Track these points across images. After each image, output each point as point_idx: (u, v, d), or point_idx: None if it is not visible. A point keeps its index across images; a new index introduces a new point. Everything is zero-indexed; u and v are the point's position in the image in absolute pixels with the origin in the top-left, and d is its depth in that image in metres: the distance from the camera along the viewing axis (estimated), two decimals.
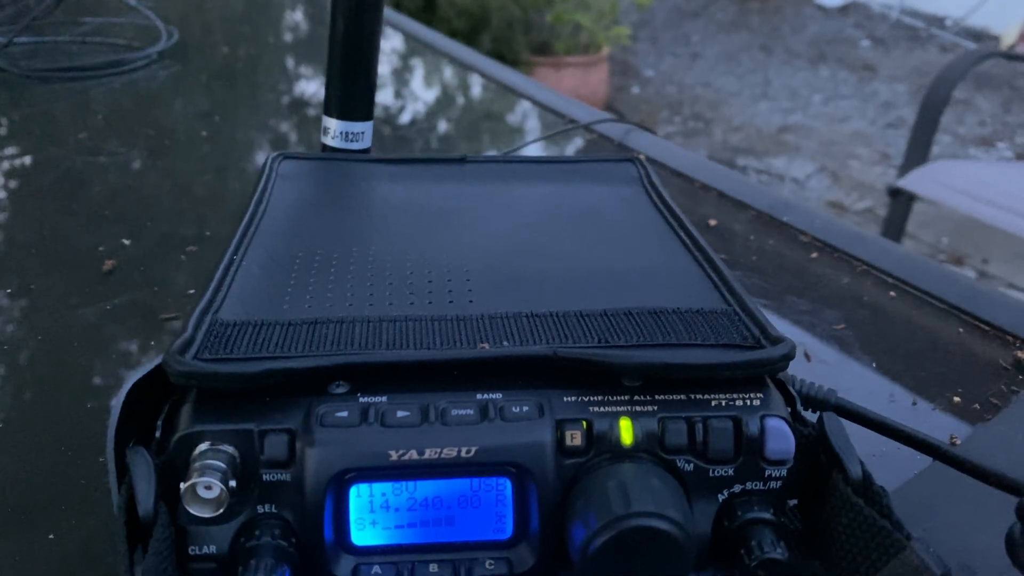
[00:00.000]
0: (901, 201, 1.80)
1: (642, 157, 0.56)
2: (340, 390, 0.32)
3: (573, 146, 0.87)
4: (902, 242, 1.87)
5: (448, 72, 1.14)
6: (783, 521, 0.32)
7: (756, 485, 0.32)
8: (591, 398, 0.32)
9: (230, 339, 0.33)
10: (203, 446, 0.30)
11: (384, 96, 1.00)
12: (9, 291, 0.53)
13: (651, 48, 4.47)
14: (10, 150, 0.77)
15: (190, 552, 0.30)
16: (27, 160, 0.75)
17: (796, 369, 0.38)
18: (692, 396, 0.32)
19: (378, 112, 0.93)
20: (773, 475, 0.32)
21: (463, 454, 0.30)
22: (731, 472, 0.32)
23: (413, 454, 0.30)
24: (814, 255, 0.62)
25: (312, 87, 1.02)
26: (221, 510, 0.29)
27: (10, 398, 0.44)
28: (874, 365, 0.50)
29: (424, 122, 0.96)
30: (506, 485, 0.31)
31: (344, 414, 0.30)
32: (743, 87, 3.97)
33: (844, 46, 4.53)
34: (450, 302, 0.37)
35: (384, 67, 1.11)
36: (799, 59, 4.35)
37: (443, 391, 0.32)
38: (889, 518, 0.30)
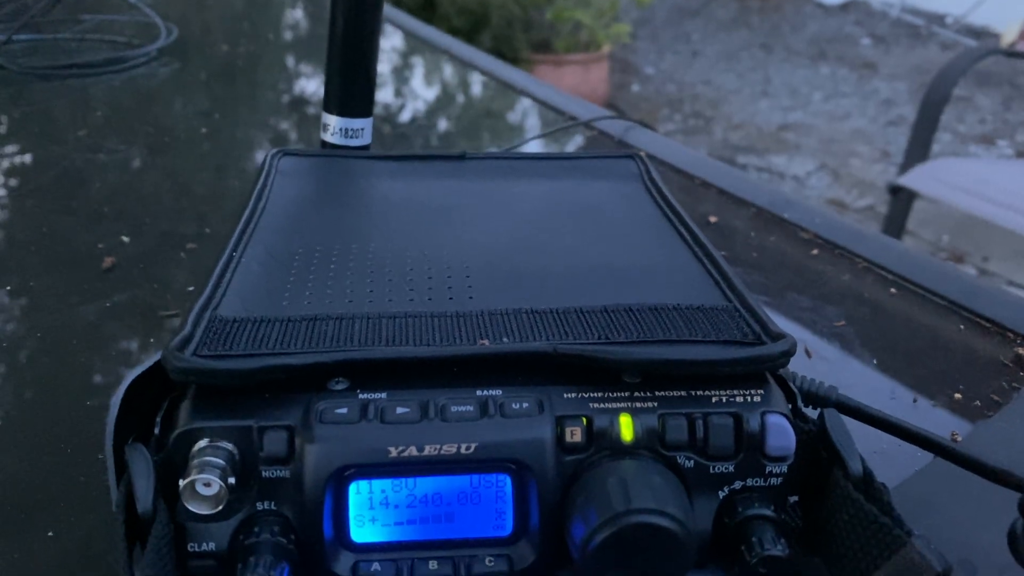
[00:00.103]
0: (901, 199, 1.80)
1: (642, 154, 0.56)
2: (340, 386, 0.32)
3: (573, 143, 0.87)
4: (903, 240, 1.87)
5: (448, 69, 1.14)
6: (784, 518, 0.32)
7: (757, 481, 0.32)
8: (591, 394, 0.32)
9: (229, 335, 0.33)
10: (202, 443, 0.30)
11: (384, 95, 1.00)
12: (8, 288, 0.53)
13: (651, 46, 4.47)
14: (9, 147, 0.77)
15: (189, 549, 0.30)
16: (26, 157, 0.75)
17: (797, 366, 0.38)
18: (692, 392, 0.32)
19: (378, 110, 0.93)
20: (774, 471, 0.32)
21: (463, 450, 0.30)
22: (731, 468, 0.32)
23: (413, 451, 0.30)
24: (815, 252, 0.62)
25: (312, 84, 1.02)
26: (220, 507, 0.29)
27: (9, 396, 0.44)
28: (875, 362, 0.49)
29: (424, 120, 0.96)
30: (506, 482, 0.31)
31: (344, 410, 0.30)
32: (743, 85, 3.97)
33: (844, 44, 4.52)
34: (450, 299, 0.37)
35: (384, 65, 1.11)
36: (799, 57, 4.34)
37: (443, 388, 0.32)
38: (890, 514, 0.30)
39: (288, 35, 1.31)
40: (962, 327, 0.53)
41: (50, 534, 0.35)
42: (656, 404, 0.32)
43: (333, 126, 0.56)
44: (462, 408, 0.31)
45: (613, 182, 0.52)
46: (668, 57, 4.32)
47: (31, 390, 0.45)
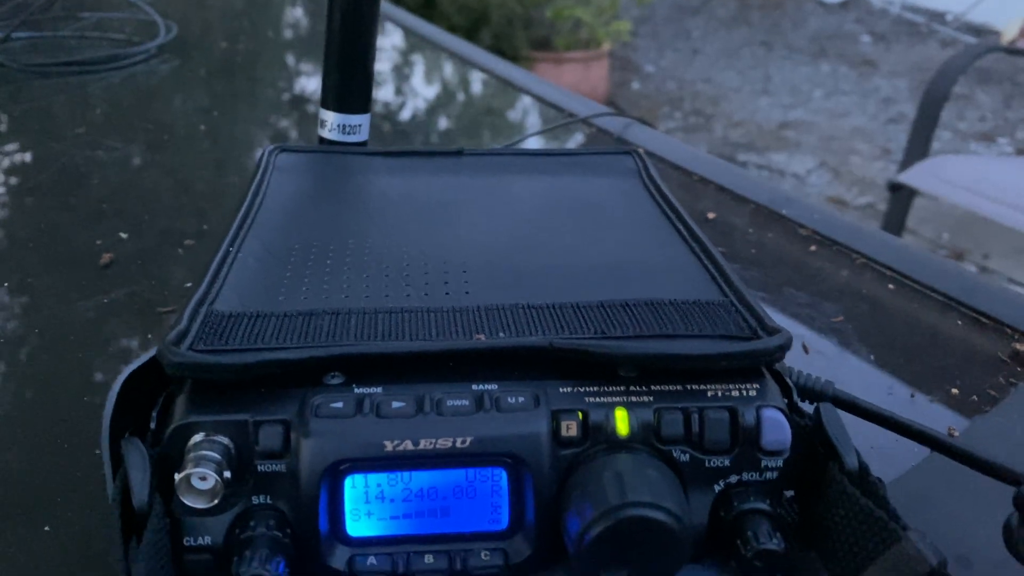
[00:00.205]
0: (901, 196, 1.80)
1: (640, 150, 0.56)
2: (335, 381, 0.32)
3: (572, 140, 0.87)
4: (902, 237, 1.86)
5: (447, 67, 1.14)
6: (779, 512, 0.32)
7: (752, 476, 0.32)
8: (587, 389, 0.32)
9: (225, 330, 0.33)
10: (198, 437, 0.30)
11: (384, 92, 1.00)
12: (7, 285, 0.53)
13: (652, 44, 4.47)
14: (8, 144, 0.77)
15: (185, 543, 0.30)
16: (25, 154, 0.75)
17: (794, 362, 0.38)
18: (688, 387, 0.32)
19: (378, 108, 0.93)
20: (769, 466, 0.32)
21: (458, 444, 0.30)
22: (727, 463, 0.32)
23: (408, 444, 0.30)
24: (813, 248, 0.62)
25: (311, 82, 1.02)
26: (216, 501, 0.29)
27: (6, 392, 0.44)
28: (872, 358, 0.49)
29: (423, 117, 0.96)
30: (502, 476, 0.31)
31: (339, 405, 0.30)
32: (744, 83, 3.97)
33: (845, 42, 4.52)
34: (446, 294, 0.37)
35: (384, 63, 1.11)
36: (800, 55, 4.34)
37: (439, 382, 0.32)
38: (885, 509, 0.30)
39: (287, 32, 1.31)
40: (960, 323, 0.53)
41: (47, 529, 0.35)
42: (652, 398, 0.32)
43: (330, 122, 0.56)
44: (458, 402, 0.31)
45: (610, 178, 0.52)
46: (668, 55, 4.32)
47: (28, 386, 0.45)
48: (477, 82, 1.08)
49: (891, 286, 0.57)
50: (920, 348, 0.51)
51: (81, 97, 0.89)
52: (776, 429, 0.32)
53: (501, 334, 0.34)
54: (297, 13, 1.39)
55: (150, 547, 0.28)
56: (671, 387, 0.32)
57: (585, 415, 0.31)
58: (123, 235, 0.60)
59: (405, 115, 0.96)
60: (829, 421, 0.32)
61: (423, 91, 1.05)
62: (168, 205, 0.67)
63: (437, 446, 0.30)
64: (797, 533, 0.33)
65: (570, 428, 0.31)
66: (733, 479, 0.32)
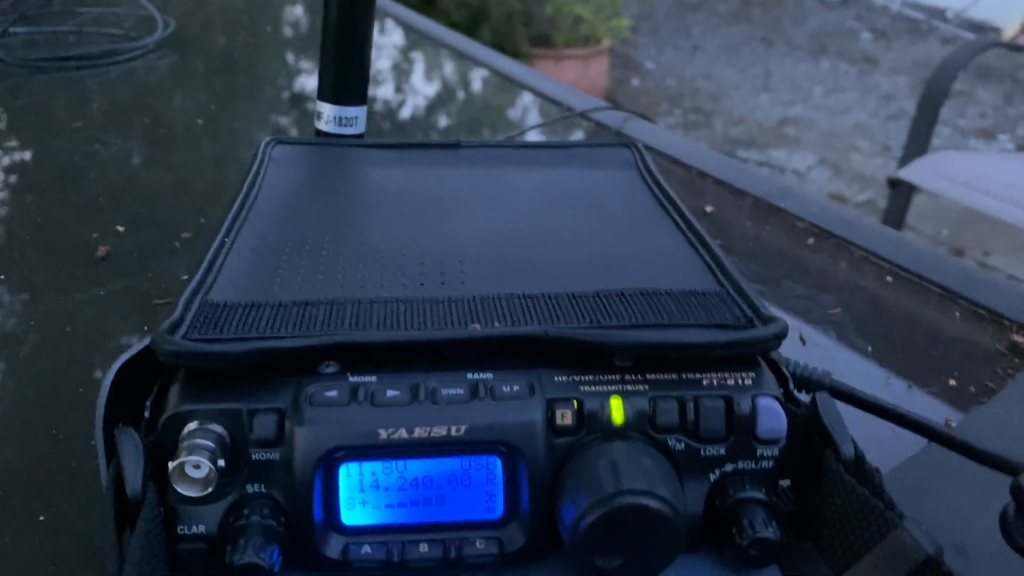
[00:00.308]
0: (901, 192, 1.79)
1: (639, 143, 0.56)
2: (330, 370, 0.32)
3: (571, 135, 0.86)
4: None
5: (446, 62, 1.13)
6: (775, 501, 0.32)
7: (748, 465, 0.32)
8: (582, 377, 0.32)
9: (220, 320, 0.33)
10: (192, 425, 0.30)
11: (384, 90, 1.00)
12: (2, 277, 0.53)
13: (652, 40, 4.46)
14: (5, 139, 0.77)
15: (179, 532, 0.30)
16: (22, 149, 0.75)
17: (791, 353, 0.38)
18: (683, 375, 0.32)
19: (376, 106, 0.93)
20: (765, 454, 0.32)
21: (453, 432, 0.30)
22: (722, 451, 0.32)
23: (403, 433, 0.30)
24: (811, 241, 0.62)
25: (308, 76, 1.02)
26: (210, 489, 0.29)
27: (1, 383, 0.44)
28: (870, 350, 0.49)
29: (421, 112, 0.96)
30: (496, 464, 0.31)
31: (334, 393, 0.30)
32: (744, 79, 3.96)
33: (845, 38, 4.51)
34: (442, 284, 0.37)
35: (383, 59, 1.11)
36: (800, 51, 4.34)
37: (434, 371, 0.32)
38: (882, 497, 0.30)
39: (286, 27, 1.31)
40: (957, 315, 0.53)
41: (41, 519, 0.35)
42: (647, 387, 0.32)
43: (327, 114, 0.56)
44: (452, 391, 0.31)
45: (608, 170, 0.52)
46: (668, 52, 4.31)
47: (23, 377, 0.45)
48: (475, 77, 1.08)
49: (889, 279, 0.57)
50: (918, 340, 0.51)
51: (79, 92, 0.89)
52: (772, 418, 0.32)
53: (497, 323, 0.34)
54: (295, 8, 1.39)
55: (143, 536, 0.28)
56: (666, 376, 0.32)
57: (580, 404, 0.31)
58: (120, 228, 0.60)
59: (403, 111, 0.96)
60: (825, 410, 0.32)
61: (422, 87, 1.05)
62: (165, 199, 0.66)
63: (432, 434, 0.30)
64: (793, 522, 0.33)
65: (565, 416, 0.31)
66: (729, 468, 0.32)
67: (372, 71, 0.58)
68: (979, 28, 4.35)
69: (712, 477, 0.32)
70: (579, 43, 3.41)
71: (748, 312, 0.34)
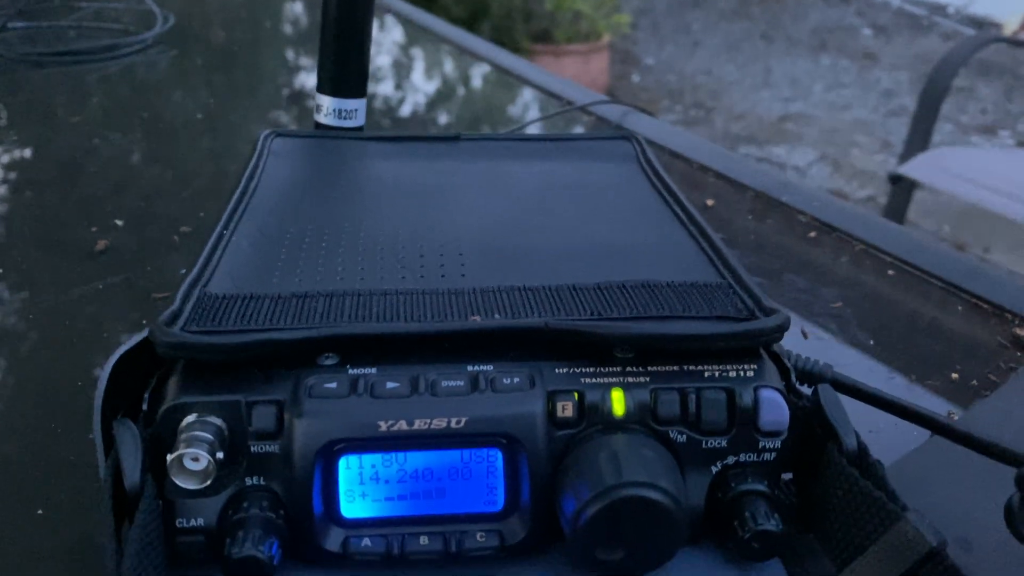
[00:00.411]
0: (902, 188, 1.79)
1: (638, 136, 0.55)
2: (329, 362, 0.31)
3: (571, 129, 0.86)
4: None
5: (446, 57, 1.13)
6: (777, 493, 0.32)
7: (750, 457, 0.32)
8: (583, 369, 0.32)
9: (218, 312, 0.32)
10: (190, 418, 0.29)
11: (384, 86, 1.00)
12: (0, 271, 0.53)
13: (652, 36, 4.45)
14: (4, 134, 0.76)
15: (177, 525, 0.30)
16: (21, 143, 0.75)
17: (793, 347, 0.38)
18: (685, 367, 0.32)
19: (377, 103, 0.93)
20: (767, 447, 0.32)
21: (453, 425, 0.30)
22: (724, 444, 0.31)
23: (403, 425, 0.30)
24: (812, 235, 0.62)
25: (308, 71, 1.02)
26: (208, 482, 0.29)
27: (0, 376, 0.44)
28: (871, 343, 0.49)
29: (422, 107, 0.96)
30: (497, 456, 0.31)
31: (333, 385, 0.30)
32: (744, 76, 3.96)
33: (845, 34, 4.51)
34: (442, 276, 0.37)
35: (384, 55, 1.11)
36: (800, 47, 4.33)
37: (434, 363, 0.31)
38: (884, 489, 0.30)
39: (285, 22, 1.30)
40: (959, 308, 0.53)
41: (40, 512, 0.35)
42: (648, 379, 0.31)
43: (326, 107, 0.55)
44: (452, 383, 0.31)
45: (608, 162, 0.51)
46: (668, 47, 4.31)
47: (21, 370, 0.45)
48: (475, 72, 1.08)
49: (890, 272, 0.57)
50: (920, 333, 0.51)
51: (77, 87, 0.89)
52: (774, 409, 0.31)
53: (497, 315, 0.33)
54: (294, 3, 1.39)
55: (142, 529, 0.28)
56: (668, 368, 0.32)
57: (581, 396, 0.31)
58: (119, 222, 0.59)
59: (403, 107, 0.95)
60: (828, 402, 0.32)
61: (422, 82, 1.05)
62: (164, 193, 0.66)
63: (432, 426, 0.30)
64: (795, 515, 0.33)
65: (566, 409, 0.31)
66: (730, 460, 0.32)
67: (372, 67, 0.58)
68: (980, 24, 4.35)
69: (714, 469, 0.32)
70: (579, 39, 3.41)
71: (750, 304, 0.34)
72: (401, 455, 0.30)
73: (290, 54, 1.13)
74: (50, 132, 0.76)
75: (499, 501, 0.31)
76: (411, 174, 0.48)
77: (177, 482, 0.29)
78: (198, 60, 1.02)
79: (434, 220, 0.43)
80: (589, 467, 0.29)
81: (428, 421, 0.30)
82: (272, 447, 0.30)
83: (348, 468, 0.30)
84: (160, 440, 0.30)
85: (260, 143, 0.50)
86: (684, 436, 0.31)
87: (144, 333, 0.31)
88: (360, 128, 0.57)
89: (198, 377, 0.30)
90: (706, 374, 0.32)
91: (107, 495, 0.28)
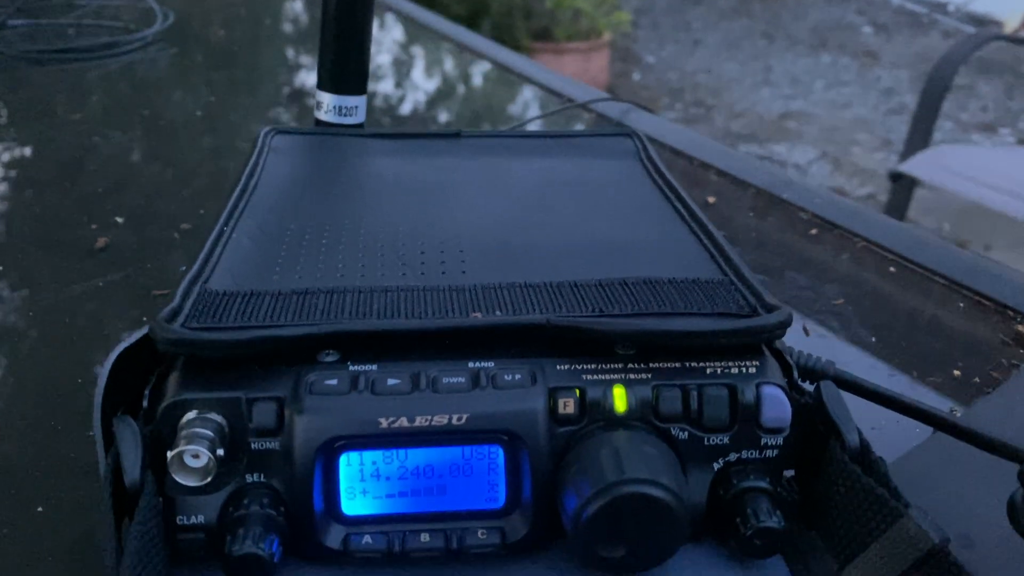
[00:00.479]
0: (903, 186, 1.79)
1: (640, 132, 0.55)
2: (330, 359, 0.31)
3: (572, 126, 0.86)
4: None
5: (446, 54, 1.13)
6: (779, 490, 0.31)
7: (752, 454, 0.32)
8: (584, 366, 0.31)
9: (219, 308, 0.32)
10: (190, 415, 0.29)
11: (384, 85, 0.99)
12: (1, 268, 0.53)
13: (652, 34, 4.45)
14: (4, 131, 0.76)
15: (178, 522, 0.30)
16: (21, 141, 0.74)
17: (794, 344, 0.38)
18: (687, 364, 0.32)
19: (377, 101, 0.93)
20: (769, 443, 0.32)
21: (454, 421, 0.30)
22: (726, 440, 0.31)
23: (404, 421, 0.29)
24: (813, 232, 0.62)
25: (309, 68, 1.02)
26: (209, 479, 0.29)
27: (0, 374, 0.44)
28: (873, 340, 0.49)
29: (422, 106, 0.96)
30: (498, 453, 0.31)
31: (334, 382, 0.30)
32: (744, 74, 3.95)
33: (846, 32, 4.50)
34: (443, 273, 0.37)
35: (384, 54, 1.10)
36: (801, 46, 4.33)
37: (434, 360, 0.31)
38: (887, 486, 0.30)
39: (285, 19, 1.30)
40: (962, 305, 0.53)
41: (40, 510, 0.35)
42: (650, 375, 0.31)
43: (327, 104, 0.55)
44: (454, 379, 0.30)
45: (609, 159, 0.51)
46: (669, 46, 4.30)
47: (21, 367, 0.45)
48: (476, 70, 1.08)
49: (892, 269, 0.57)
50: (922, 331, 0.50)
51: (77, 85, 0.89)
52: (776, 406, 0.31)
53: (498, 312, 0.33)
54: (294, 0, 1.39)
55: (142, 526, 0.28)
56: (670, 364, 0.32)
57: (582, 392, 0.31)
58: (119, 220, 0.59)
59: (403, 105, 0.95)
60: (830, 399, 0.32)
61: (422, 80, 1.04)
62: (164, 191, 0.66)
63: (433, 423, 0.30)
64: (797, 512, 0.32)
65: (567, 405, 0.31)
66: (732, 457, 0.32)
67: (372, 66, 0.58)
68: (980, 21, 4.34)
69: (716, 466, 0.32)
70: (579, 37, 3.40)
71: (752, 300, 0.34)
72: (402, 452, 0.30)
73: (290, 52, 1.13)
74: (50, 130, 0.76)
75: (500, 498, 0.31)
76: (412, 171, 0.48)
77: (177, 479, 0.29)
78: (198, 58, 1.02)
79: (435, 217, 0.43)
80: (591, 464, 0.29)
81: (429, 418, 0.30)
82: (272, 444, 0.30)
83: (349, 465, 0.30)
84: (160, 437, 0.30)
85: (260, 140, 0.50)
86: (686, 433, 0.31)
87: (144, 330, 0.31)
88: (360, 125, 0.57)
89: (198, 374, 0.30)
90: (708, 370, 0.32)
91: (107, 492, 0.28)
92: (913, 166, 1.76)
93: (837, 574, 0.31)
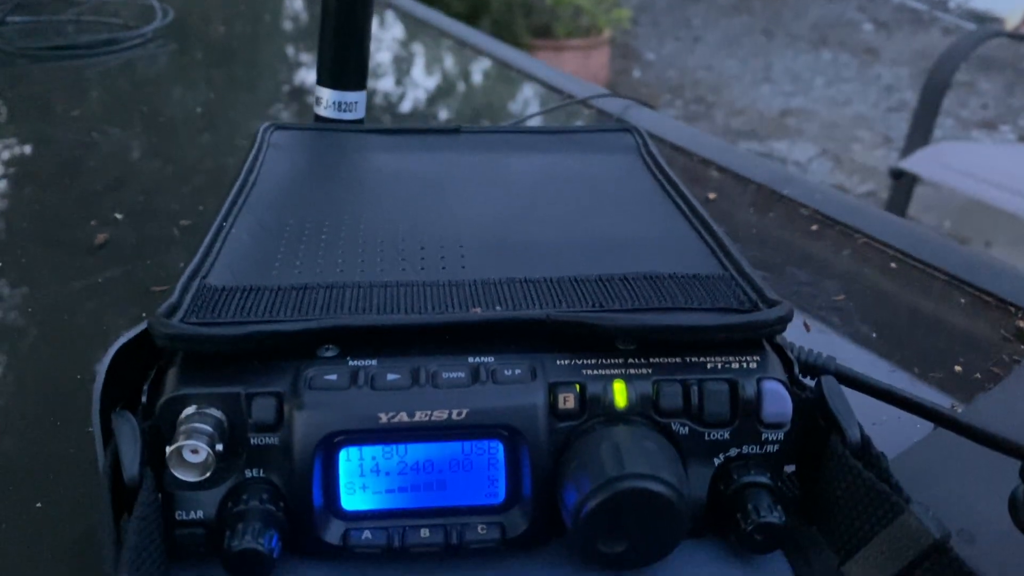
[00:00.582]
0: (903, 183, 1.79)
1: (640, 128, 0.55)
2: (329, 354, 0.31)
3: (572, 122, 0.86)
4: None
5: (446, 50, 1.13)
6: (780, 486, 0.31)
7: (753, 449, 0.32)
8: (585, 361, 0.31)
9: (218, 303, 0.32)
10: (189, 410, 0.29)
11: (384, 82, 0.99)
12: (0, 264, 0.53)
13: (652, 31, 4.45)
14: (3, 128, 0.76)
15: (177, 518, 0.30)
16: (20, 137, 0.74)
17: (795, 340, 0.38)
18: (687, 359, 0.32)
19: (377, 99, 0.93)
20: (770, 439, 0.32)
21: (454, 416, 0.30)
22: (727, 436, 0.31)
23: (403, 416, 0.29)
24: (814, 228, 0.61)
25: (308, 66, 1.01)
26: (208, 474, 0.29)
27: None
28: (874, 336, 0.49)
29: (422, 103, 0.95)
30: (498, 448, 0.30)
31: (333, 377, 0.30)
32: (745, 71, 3.95)
33: (846, 29, 4.50)
34: (443, 268, 0.37)
35: (384, 51, 1.10)
36: (801, 42, 4.32)
37: (434, 355, 0.31)
38: (888, 482, 0.30)
39: (285, 16, 1.30)
40: (962, 301, 0.52)
41: (39, 506, 0.34)
42: (650, 370, 0.31)
43: (326, 99, 0.55)
44: (453, 374, 0.30)
45: (610, 154, 0.51)
46: (669, 43, 4.30)
47: (20, 364, 0.44)
48: (476, 66, 1.07)
49: (893, 265, 0.57)
50: (922, 326, 0.50)
51: (77, 81, 0.89)
52: (777, 401, 0.31)
53: (498, 307, 0.33)
54: None
55: (140, 521, 0.28)
56: (670, 360, 0.32)
57: (583, 387, 0.31)
58: (118, 216, 0.59)
59: (403, 102, 0.95)
60: (831, 394, 0.32)
61: (422, 77, 1.04)
62: (164, 187, 0.66)
63: (432, 418, 0.30)
64: (798, 507, 0.32)
65: (567, 400, 0.30)
66: (733, 452, 0.32)
67: (372, 63, 0.58)
68: (981, 18, 4.34)
69: (716, 462, 0.32)
70: (579, 34, 3.40)
71: (752, 296, 0.34)
72: (402, 447, 0.30)
73: (290, 49, 1.12)
74: (49, 127, 0.76)
75: (500, 493, 0.31)
76: (411, 166, 0.48)
77: (176, 474, 0.29)
78: (198, 55, 1.02)
79: (434, 212, 0.42)
80: (591, 459, 0.29)
81: (429, 413, 0.29)
82: (272, 439, 0.30)
83: (348, 460, 0.30)
84: (159, 432, 0.29)
85: (260, 135, 0.50)
86: (686, 428, 0.31)
87: (143, 325, 0.31)
88: (360, 121, 0.57)
89: (197, 369, 0.30)
90: (708, 366, 0.32)
91: (106, 488, 0.28)
92: (914, 163, 1.76)
93: (838, 569, 0.31)
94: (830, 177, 2.95)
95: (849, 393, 0.33)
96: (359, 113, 0.56)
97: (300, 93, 0.92)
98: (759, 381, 0.31)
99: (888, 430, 0.40)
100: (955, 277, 0.54)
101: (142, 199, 0.63)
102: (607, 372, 0.31)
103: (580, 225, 0.41)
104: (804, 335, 0.48)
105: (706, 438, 0.31)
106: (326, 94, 0.55)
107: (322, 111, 0.56)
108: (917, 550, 0.28)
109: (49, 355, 0.45)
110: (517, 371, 0.31)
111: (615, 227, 0.41)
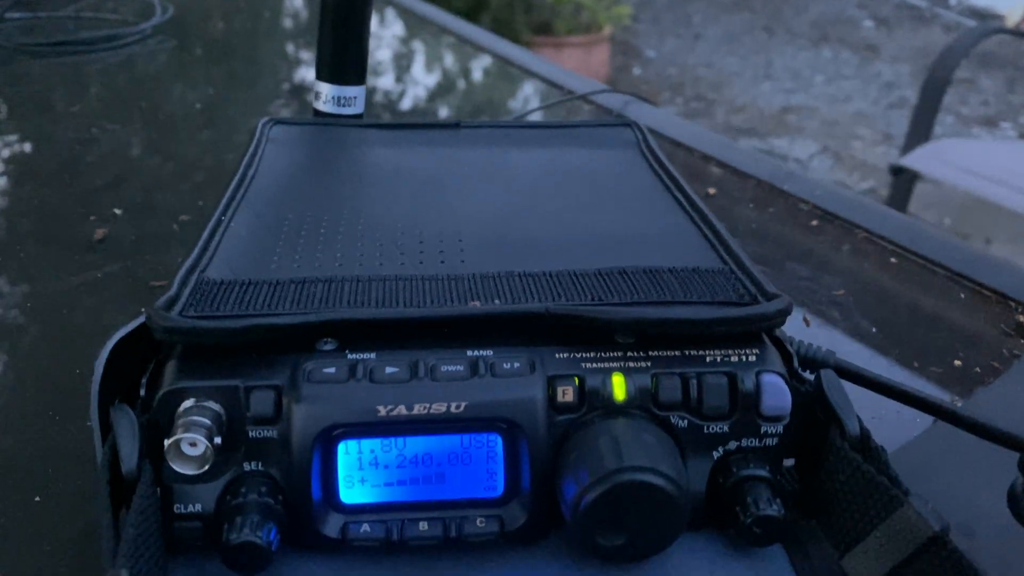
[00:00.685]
0: (903, 180, 1.79)
1: (640, 123, 0.55)
2: (328, 347, 0.31)
3: (572, 118, 0.86)
4: None
5: (446, 47, 1.13)
6: (779, 479, 0.31)
7: (752, 442, 0.32)
8: (584, 355, 0.31)
9: (216, 297, 0.32)
10: (188, 403, 0.29)
11: (384, 79, 0.99)
12: None
13: (653, 29, 4.44)
14: (3, 124, 0.76)
15: (175, 511, 0.30)
16: (20, 134, 0.74)
17: (795, 335, 0.38)
18: (686, 352, 0.32)
19: (377, 96, 0.92)
20: (769, 432, 0.32)
21: (453, 409, 0.30)
22: (726, 429, 0.31)
23: (402, 409, 0.29)
24: (814, 223, 0.61)
25: (308, 63, 1.01)
26: (206, 467, 0.29)
27: None
28: (874, 331, 0.49)
29: (422, 98, 0.95)
30: (497, 441, 0.30)
31: (332, 370, 0.30)
32: (745, 68, 3.95)
33: (847, 26, 4.50)
34: (441, 262, 0.37)
35: (384, 48, 1.10)
36: (802, 39, 4.32)
37: (433, 348, 0.31)
38: (887, 475, 0.30)
39: (284, 12, 1.30)
40: (962, 295, 0.52)
41: (37, 500, 0.34)
42: (649, 364, 0.31)
43: (325, 94, 0.55)
44: (452, 368, 0.30)
45: (610, 149, 0.51)
46: (669, 40, 4.30)
47: (18, 358, 0.44)
48: (476, 63, 1.07)
49: (893, 260, 0.57)
50: (922, 321, 0.50)
51: (76, 78, 0.89)
52: (776, 394, 0.31)
53: (497, 301, 0.33)
54: None
55: (139, 514, 0.28)
56: (669, 353, 0.32)
57: (582, 380, 0.31)
58: (117, 212, 0.59)
59: (403, 99, 0.95)
60: (830, 387, 0.32)
61: (422, 74, 1.04)
62: (163, 183, 0.66)
63: (431, 411, 0.29)
64: (797, 501, 0.32)
65: (566, 393, 0.30)
66: (732, 445, 0.31)
67: (372, 60, 0.58)
68: (982, 15, 4.33)
69: (715, 455, 0.31)
70: (580, 31, 3.40)
71: (752, 289, 0.34)
72: (400, 440, 0.30)
73: (290, 46, 1.12)
74: (49, 123, 0.76)
75: (499, 486, 0.31)
76: (411, 161, 0.48)
77: (174, 467, 0.29)
78: (197, 51, 1.02)
79: (434, 206, 0.42)
80: (590, 452, 0.29)
81: (427, 406, 0.29)
82: (270, 432, 0.30)
83: (347, 453, 0.30)
84: (158, 425, 0.29)
85: (259, 130, 0.50)
86: (685, 421, 0.31)
87: (141, 318, 0.31)
88: (359, 116, 0.57)
89: (196, 362, 0.30)
90: (708, 359, 0.31)
91: (104, 481, 0.28)
92: (914, 160, 1.76)
93: (837, 562, 0.31)
94: (830, 174, 2.94)
95: (848, 387, 0.33)
96: (358, 108, 0.56)
97: (300, 90, 0.92)
98: (758, 374, 0.31)
99: (887, 424, 0.40)
100: (955, 272, 0.54)
101: (141, 195, 0.63)
102: (606, 365, 0.31)
103: (580, 219, 0.41)
104: (804, 330, 0.48)
105: (705, 431, 0.31)
106: (325, 89, 0.55)
107: (321, 106, 0.56)
108: (916, 543, 0.28)
109: (48, 351, 0.45)
110: (516, 364, 0.31)
111: (615, 222, 0.41)
